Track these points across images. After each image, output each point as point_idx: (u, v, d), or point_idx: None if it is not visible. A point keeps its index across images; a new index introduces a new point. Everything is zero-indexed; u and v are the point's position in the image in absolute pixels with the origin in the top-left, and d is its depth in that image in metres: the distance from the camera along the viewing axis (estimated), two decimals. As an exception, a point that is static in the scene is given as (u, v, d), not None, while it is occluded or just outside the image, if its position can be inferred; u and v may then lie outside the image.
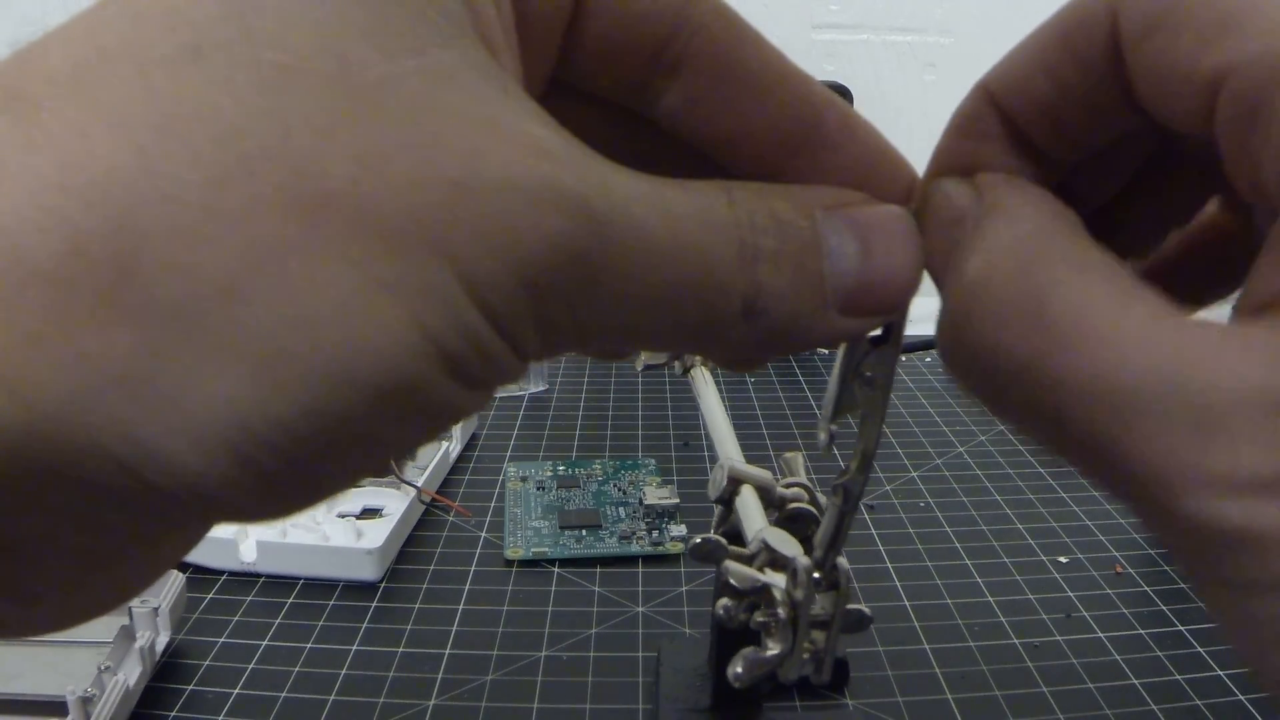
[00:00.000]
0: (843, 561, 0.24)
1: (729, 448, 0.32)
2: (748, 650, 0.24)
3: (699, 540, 0.27)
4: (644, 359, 0.46)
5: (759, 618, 0.24)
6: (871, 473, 0.21)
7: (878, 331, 0.18)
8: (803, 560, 0.24)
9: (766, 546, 0.25)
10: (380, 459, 0.14)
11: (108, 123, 0.12)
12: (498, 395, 0.65)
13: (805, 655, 0.24)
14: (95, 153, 0.11)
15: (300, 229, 0.12)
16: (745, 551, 0.26)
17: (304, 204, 0.12)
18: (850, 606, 0.24)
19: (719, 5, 0.17)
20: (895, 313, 0.18)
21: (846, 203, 0.17)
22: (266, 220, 0.12)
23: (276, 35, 0.12)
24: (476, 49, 0.14)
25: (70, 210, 0.11)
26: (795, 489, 0.29)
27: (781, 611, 0.24)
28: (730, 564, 0.25)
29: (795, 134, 0.18)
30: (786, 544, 0.25)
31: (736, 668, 0.24)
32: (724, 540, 0.27)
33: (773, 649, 0.24)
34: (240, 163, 0.12)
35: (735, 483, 0.30)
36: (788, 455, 0.30)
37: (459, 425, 0.55)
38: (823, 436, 0.20)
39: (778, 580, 0.25)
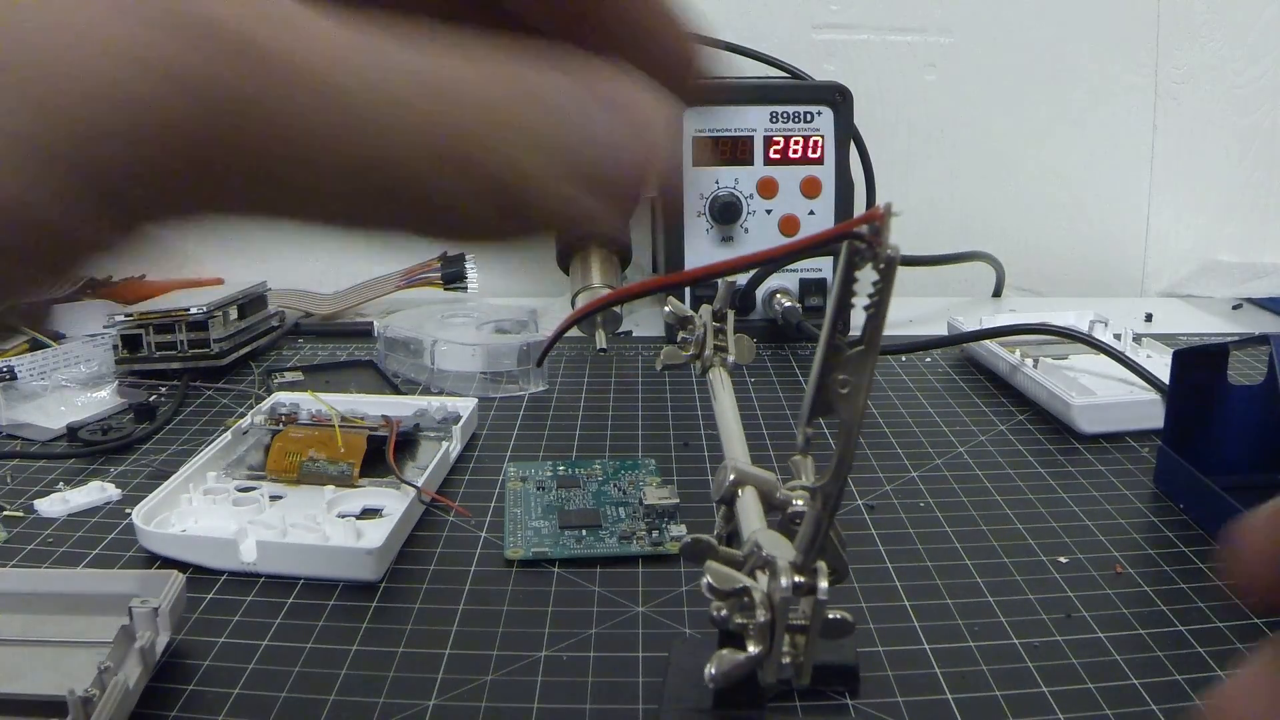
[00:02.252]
0: (822, 566, 0.23)
1: (736, 449, 0.32)
2: (724, 651, 0.24)
3: (690, 540, 0.27)
4: (663, 359, 0.46)
5: (738, 619, 0.24)
6: (852, 474, 0.20)
7: (856, 333, 0.18)
8: (781, 562, 0.24)
9: (757, 548, 0.25)
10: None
11: None
12: (498, 396, 0.64)
13: (785, 659, 0.24)
14: None
15: None
16: (738, 553, 0.26)
17: None
18: (832, 613, 0.24)
19: None
20: (650, 191, 0.17)
21: (605, 77, 0.16)
22: None
23: None
24: None
25: None
26: (800, 492, 0.29)
27: (760, 613, 0.24)
28: (711, 564, 0.25)
29: None
30: (776, 546, 0.25)
31: (712, 668, 0.24)
32: (714, 540, 0.27)
33: (751, 650, 0.24)
34: None
35: (738, 484, 0.30)
36: (796, 458, 0.30)
37: (458, 425, 0.55)
38: (799, 439, 0.20)
39: (761, 582, 0.25)
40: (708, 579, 0.25)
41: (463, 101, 0.14)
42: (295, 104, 0.12)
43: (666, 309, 0.49)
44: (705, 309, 0.47)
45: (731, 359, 0.45)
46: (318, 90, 0.12)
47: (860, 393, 0.19)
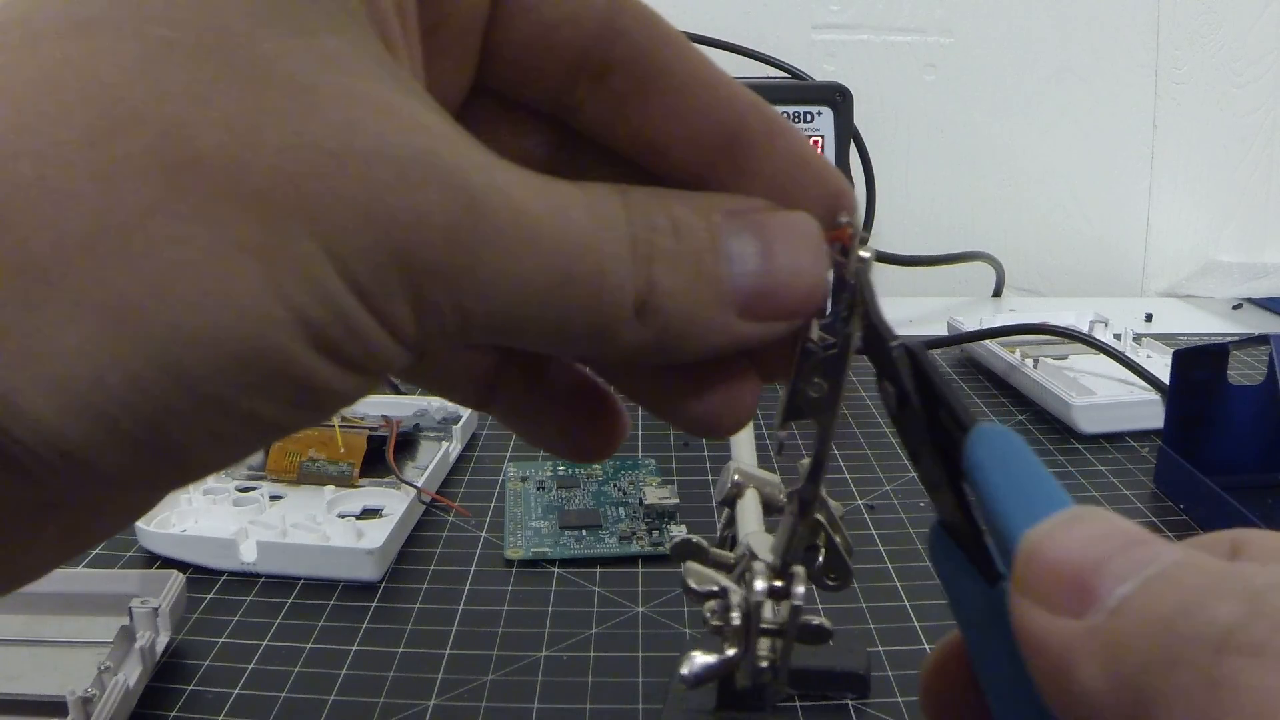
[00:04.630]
0: (800, 570, 0.23)
1: (743, 451, 0.32)
2: (696, 651, 0.24)
3: (679, 540, 0.27)
4: None
5: (714, 621, 0.24)
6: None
7: (844, 338, 0.18)
8: (757, 565, 0.23)
9: (748, 550, 0.25)
10: (255, 434, 0.14)
11: None
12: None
13: (763, 663, 0.24)
14: None
15: (163, 190, 0.12)
16: (730, 555, 0.26)
17: (169, 165, 0.12)
18: (807, 620, 0.24)
19: (644, 11, 0.17)
20: (799, 317, 0.17)
21: (750, 209, 0.17)
22: (131, 180, 0.12)
23: (165, 12, 0.13)
24: (368, 38, 0.14)
25: None
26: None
27: (735, 615, 0.23)
28: (690, 565, 0.25)
29: (718, 140, 0.17)
30: (767, 549, 0.25)
31: (683, 669, 0.24)
32: (704, 542, 0.27)
33: (726, 652, 0.24)
34: (111, 124, 0.12)
35: (741, 486, 0.29)
36: (804, 460, 0.30)
37: (458, 425, 0.55)
38: (774, 442, 0.20)
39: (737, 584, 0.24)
40: (689, 580, 0.25)
41: (617, 233, 0.15)
42: (506, 238, 0.14)
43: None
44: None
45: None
46: (523, 224, 0.14)
47: (834, 396, 0.19)
